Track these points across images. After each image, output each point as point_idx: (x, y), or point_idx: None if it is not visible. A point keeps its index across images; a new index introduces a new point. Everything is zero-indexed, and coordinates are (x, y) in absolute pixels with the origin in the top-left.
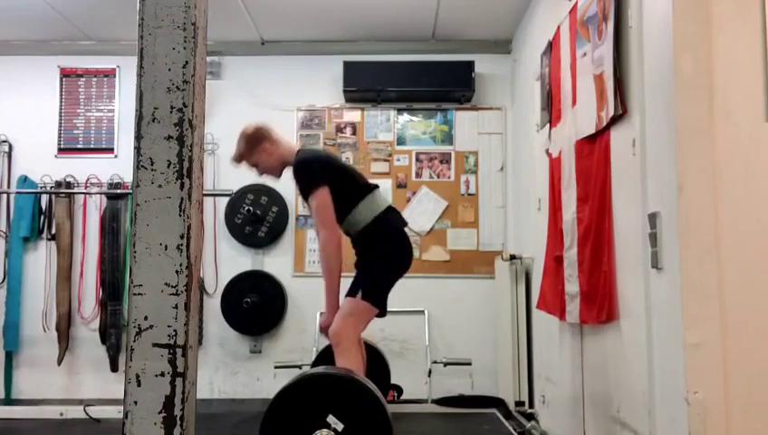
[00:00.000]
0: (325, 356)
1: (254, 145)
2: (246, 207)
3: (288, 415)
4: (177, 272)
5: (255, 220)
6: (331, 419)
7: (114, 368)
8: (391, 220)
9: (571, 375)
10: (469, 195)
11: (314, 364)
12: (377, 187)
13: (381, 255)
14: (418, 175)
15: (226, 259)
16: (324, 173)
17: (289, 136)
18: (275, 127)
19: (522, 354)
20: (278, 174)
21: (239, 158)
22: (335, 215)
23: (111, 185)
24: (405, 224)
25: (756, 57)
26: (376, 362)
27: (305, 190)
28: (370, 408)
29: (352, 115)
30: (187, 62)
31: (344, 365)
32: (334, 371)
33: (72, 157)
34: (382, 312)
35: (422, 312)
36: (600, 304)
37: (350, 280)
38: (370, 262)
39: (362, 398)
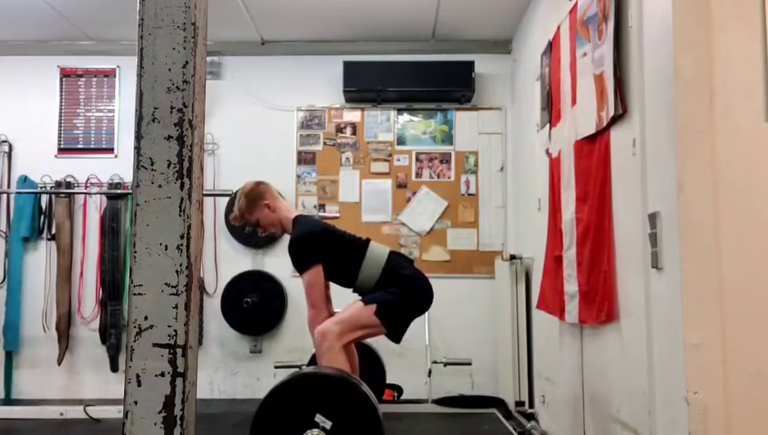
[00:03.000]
0: None
1: (253, 202)
2: None
3: (278, 415)
4: (177, 272)
5: None
6: (318, 418)
7: (114, 368)
8: (401, 264)
9: (571, 375)
10: (469, 195)
11: (309, 364)
12: (369, 240)
13: (404, 288)
14: (418, 175)
15: (226, 259)
16: (317, 252)
17: (289, 136)
18: (276, 127)
19: (522, 354)
20: (279, 234)
21: (240, 217)
22: (346, 281)
23: (111, 185)
24: (412, 261)
25: (756, 57)
26: (370, 361)
27: (298, 268)
28: (360, 406)
29: (352, 115)
30: (187, 62)
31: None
32: (323, 370)
33: (71, 157)
34: (396, 338)
35: None
36: (600, 304)
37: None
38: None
39: (351, 396)
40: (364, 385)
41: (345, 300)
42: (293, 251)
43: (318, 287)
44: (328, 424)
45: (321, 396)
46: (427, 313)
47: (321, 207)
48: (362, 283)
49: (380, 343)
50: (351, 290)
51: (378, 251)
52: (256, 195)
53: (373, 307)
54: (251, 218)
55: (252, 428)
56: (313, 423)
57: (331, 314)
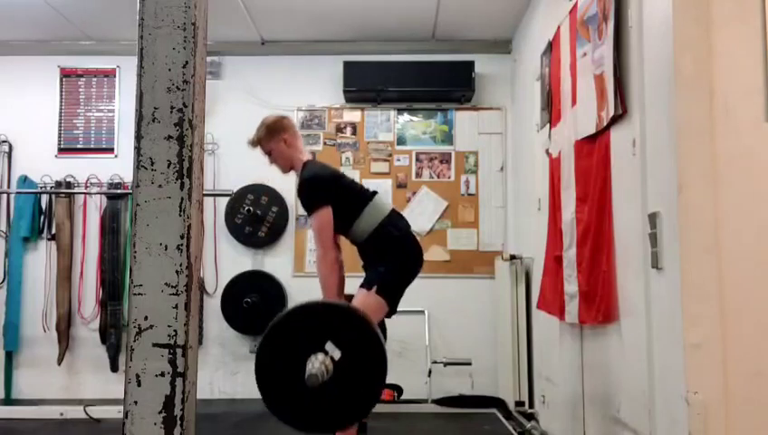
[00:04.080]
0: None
1: (273, 133)
2: (246, 207)
3: (292, 334)
4: (177, 272)
5: (255, 220)
6: (329, 346)
7: (114, 368)
8: (396, 224)
9: (571, 375)
10: (469, 195)
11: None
12: (376, 193)
13: (392, 257)
14: (418, 175)
15: (226, 259)
16: (326, 192)
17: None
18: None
19: (522, 354)
20: (285, 170)
21: (256, 142)
22: (341, 227)
23: (111, 185)
24: (409, 226)
25: (756, 57)
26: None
27: (307, 208)
28: (370, 344)
29: (352, 115)
30: (187, 62)
31: None
32: (343, 303)
33: (72, 157)
34: (392, 311)
35: (422, 312)
36: (599, 304)
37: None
38: (383, 263)
39: (364, 333)
40: (377, 328)
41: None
42: (303, 191)
43: (327, 228)
44: (337, 354)
45: (336, 327)
46: (426, 313)
47: None
48: (356, 232)
49: None
50: (346, 236)
51: (380, 206)
52: (279, 127)
53: (374, 288)
54: (266, 147)
55: (265, 338)
56: (323, 349)
57: (341, 264)
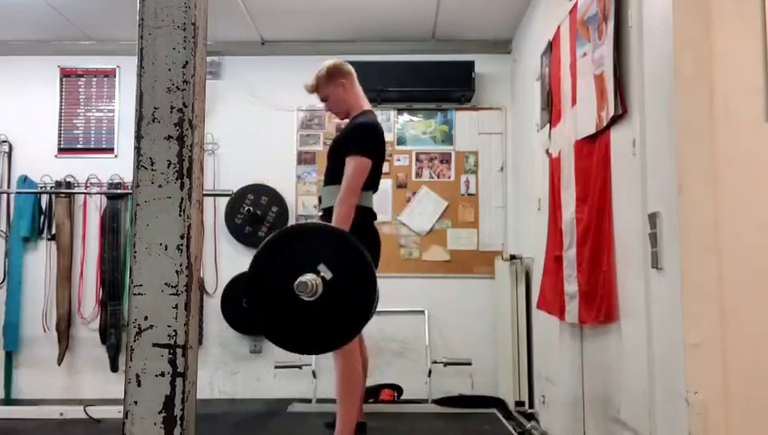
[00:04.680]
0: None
1: (332, 78)
2: (246, 207)
3: (287, 251)
4: (177, 272)
5: (255, 220)
6: (321, 267)
7: (114, 368)
8: (369, 219)
9: (571, 375)
10: (469, 195)
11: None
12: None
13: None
14: (418, 175)
15: (226, 259)
16: (376, 148)
17: (289, 136)
18: (276, 127)
19: (522, 354)
20: (342, 116)
21: (314, 87)
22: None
23: (111, 185)
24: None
25: (756, 57)
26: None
27: (351, 149)
28: (361, 271)
29: None
30: (187, 62)
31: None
32: (339, 230)
33: (72, 157)
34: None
35: (422, 312)
36: (599, 304)
37: None
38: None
39: (357, 259)
40: (365, 250)
41: None
42: (357, 133)
43: (362, 176)
44: (328, 275)
45: (330, 249)
46: (426, 313)
47: None
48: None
49: (381, 343)
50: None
51: (371, 200)
52: (339, 71)
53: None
54: (323, 92)
55: (258, 254)
56: (315, 270)
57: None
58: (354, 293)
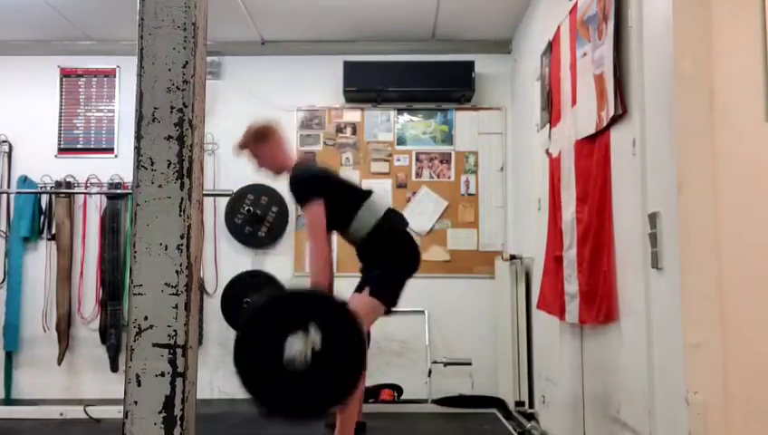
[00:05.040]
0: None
1: (260, 139)
2: (246, 207)
3: (282, 310)
4: (177, 272)
5: (255, 220)
6: (311, 331)
7: (114, 368)
8: (393, 223)
9: (571, 375)
10: (469, 195)
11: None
12: (371, 192)
13: (389, 256)
14: (418, 175)
15: (226, 259)
16: (316, 186)
17: (289, 136)
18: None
19: (522, 354)
20: (275, 173)
21: (243, 145)
22: (337, 225)
23: (111, 185)
24: (407, 224)
25: (756, 57)
26: None
27: (300, 201)
28: (352, 336)
29: (352, 115)
30: (187, 62)
31: None
32: (335, 297)
33: (71, 157)
34: (389, 310)
35: (422, 312)
36: (600, 304)
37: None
38: (378, 263)
39: (348, 325)
40: (359, 319)
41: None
42: (295, 184)
43: (320, 220)
44: (318, 340)
45: (321, 314)
46: (426, 313)
47: None
48: (355, 230)
49: (381, 343)
50: (343, 235)
51: (375, 206)
52: (266, 133)
53: (366, 290)
54: (253, 150)
55: (247, 321)
56: (305, 334)
57: (331, 264)
58: (344, 358)
